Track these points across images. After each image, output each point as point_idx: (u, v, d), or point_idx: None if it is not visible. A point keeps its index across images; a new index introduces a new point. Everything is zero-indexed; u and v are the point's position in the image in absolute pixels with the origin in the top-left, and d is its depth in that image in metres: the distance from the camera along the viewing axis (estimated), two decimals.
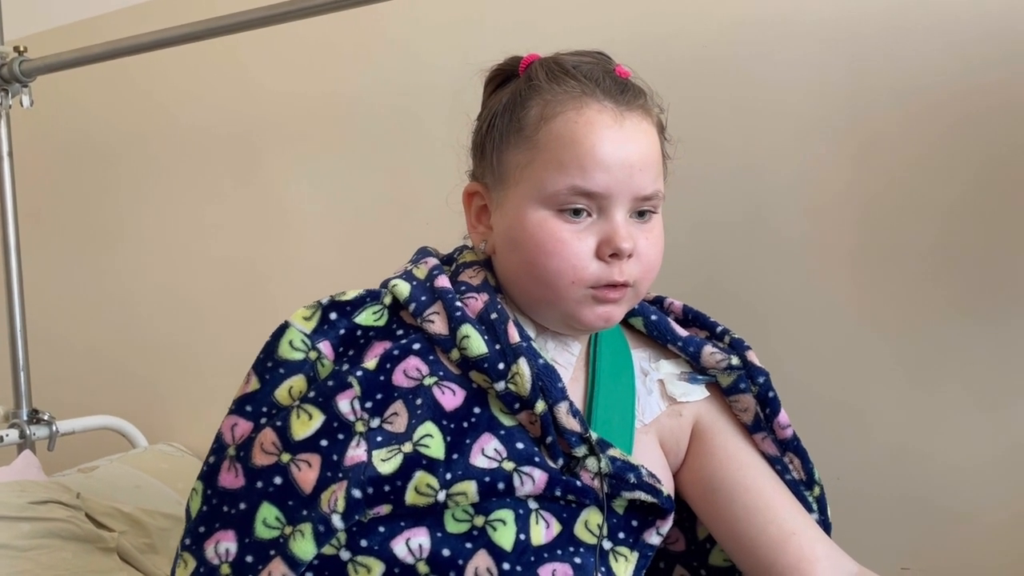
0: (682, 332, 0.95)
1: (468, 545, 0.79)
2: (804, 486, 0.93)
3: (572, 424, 0.81)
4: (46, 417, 1.56)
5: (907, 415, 1.23)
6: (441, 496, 0.77)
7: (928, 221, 1.21)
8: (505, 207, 0.86)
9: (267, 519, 0.76)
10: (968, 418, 1.20)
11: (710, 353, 0.92)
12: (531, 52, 0.90)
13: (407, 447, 0.78)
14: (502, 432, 0.81)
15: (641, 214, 0.85)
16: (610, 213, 0.82)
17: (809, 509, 0.93)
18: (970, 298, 1.19)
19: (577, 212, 0.82)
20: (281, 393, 0.81)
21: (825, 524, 0.95)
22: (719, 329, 0.96)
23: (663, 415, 0.93)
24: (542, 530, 0.81)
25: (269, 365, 0.83)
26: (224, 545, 0.77)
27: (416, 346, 0.83)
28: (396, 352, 0.83)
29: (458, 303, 0.84)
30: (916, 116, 1.20)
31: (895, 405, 1.23)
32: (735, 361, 0.92)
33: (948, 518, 1.21)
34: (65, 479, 1.44)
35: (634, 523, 0.85)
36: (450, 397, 0.82)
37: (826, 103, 1.25)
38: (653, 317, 0.95)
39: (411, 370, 0.82)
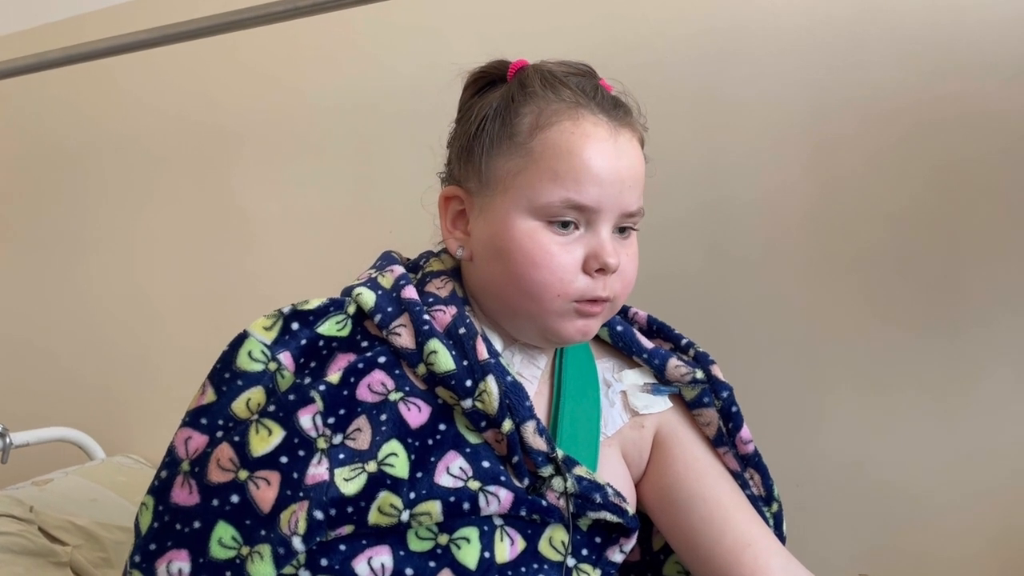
0: (648, 344, 0.91)
1: (432, 564, 0.74)
2: (763, 502, 0.90)
3: (539, 444, 0.77)
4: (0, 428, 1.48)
5: (863, 423, 1.21)
6: (405, 516, 0.73)
7: (883, 230, 1.20)
8: (489, 214, 0.81)
9: (223, 539, 0.70)
10: (922, 425, 1.19)
11: (675, 366, 0.89)
12: (502, 58, 0.86)
13: (371, 466, 0.73)
14: (468, 450, 0.77)
15: (622, 230, 0.82)
16: (597, 228, 0.79)
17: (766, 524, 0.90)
18: (924, 306, 1.18)
19: (566, 224, 0.78)
20: (239, 406, 0.75)
21: (780, 539, 0.91)
22: (684, 342, 0.93)
23: (626, 427, 0.89)
24: (506, 547, 0.77)
25: (226, 376, 0.77)
26: (177, 565, 0.71)
27: (382, 359, 0.78)
28: (361, 365, 0.78)
29: (426, 316, 0.79)
30: (872, 126, 1.20)
31: (851, 413, 1.22)
32: (699, 375, 0.89)
33: (905, 524, 1.20)
34: (18, 492, 1.36)
35: (598, 540, 0.82)
36: (415, 414, 0.77)
37: (784, 113, 1.24)
38: (619, 328, 0.92)
39: (376, 384, 0.77)
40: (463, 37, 1.42)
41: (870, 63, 1.20)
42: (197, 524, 0.71)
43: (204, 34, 1.32)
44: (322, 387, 0.76)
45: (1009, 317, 1.14)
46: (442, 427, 0.77)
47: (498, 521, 0.77)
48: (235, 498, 0.71)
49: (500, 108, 0.82)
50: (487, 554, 0.75)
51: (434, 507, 0.73)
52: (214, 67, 1.64)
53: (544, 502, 0.77)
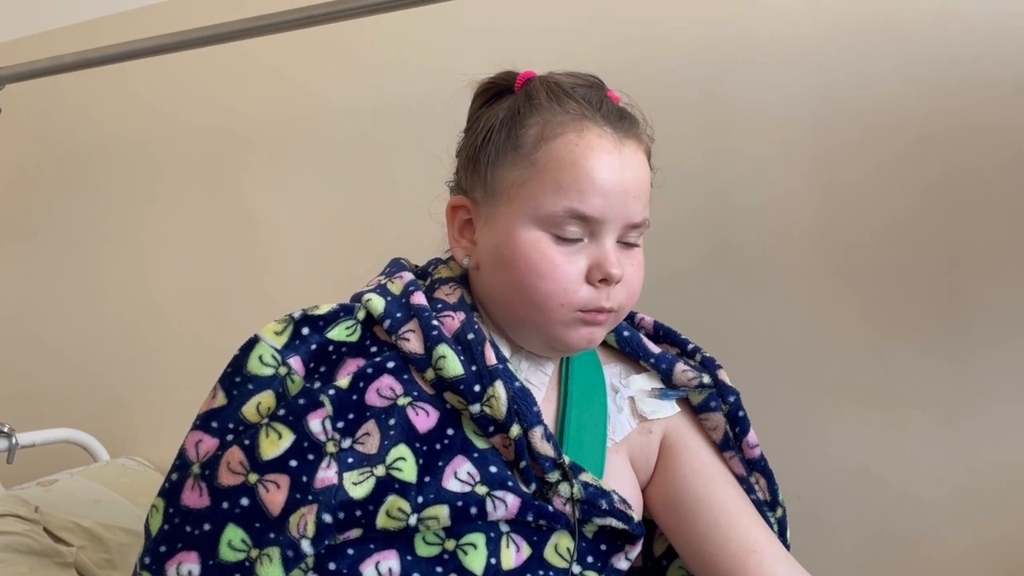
0: (654, 349, 0.91)
1: (439, 569, 0.74)
2: (767, 507, 0.90)
3: (546, 449, 0.77)
4: (6, 429, 1.47)
5: (866, 433, 1.21)
6: (413, 520, 0.73)
7: (886, 241, 1.20)
8: (495, 223, 0.81)
9: (232, 541, 0.71)
10: (925, 440, 1.18)
11: (682, 371, 0.89)
12: (510, 69, 0.86)
13: (379, 470, 0.73)
14: (475, 455, 0.77)
15: (627, 241, 0.82)
16: (601, 238, 0.79)
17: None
18: (927, 317, 1.18)
19: (570, 235, 0.79)
20: (249, 410, 0.76)
21: (784, 545, 0.91)
22: (690, 347, 0.93)
23: (634, 433, 0.89)
24: (512, 554, 0.76)
25: (237, 380, 0.77)
26: (187, 567, 0.71)
27: (390, 364, 0.78)
28: (370, 370, 0.78)
29: (434, 322, 0.80)
30: (876, 138, 1.19)
31: (854, 424, 1.21)
32: (706, 379, 0.89)
33: (905, 537, 1.19)
34: (24, 492, 1.36)
35: (603, 547, 0.81)
36: (424, 419, 0.77)
37: (788, 123, 1.24)
38: (626, 333, 0.92)
39: (385, 389, 0.77)
40: (475, 45, 1.42)
41: (875, 75, 1.19)
42: (207, 526, 0.71)
43: (215, 41, 1.32)
44: (331, 391, 0.76)
45: (1012, 328, 1.14)
46: (450, 432, 0.77)
47: (504, 528, 0.77)
48: (245, 501, 0.71)
49: (506, 119, 0.82)
50: (493, 560, 0.75)
51: (442, 512, 0.73)
52: (225, 72, 1.64)
53: (551, 508, 0.77)
